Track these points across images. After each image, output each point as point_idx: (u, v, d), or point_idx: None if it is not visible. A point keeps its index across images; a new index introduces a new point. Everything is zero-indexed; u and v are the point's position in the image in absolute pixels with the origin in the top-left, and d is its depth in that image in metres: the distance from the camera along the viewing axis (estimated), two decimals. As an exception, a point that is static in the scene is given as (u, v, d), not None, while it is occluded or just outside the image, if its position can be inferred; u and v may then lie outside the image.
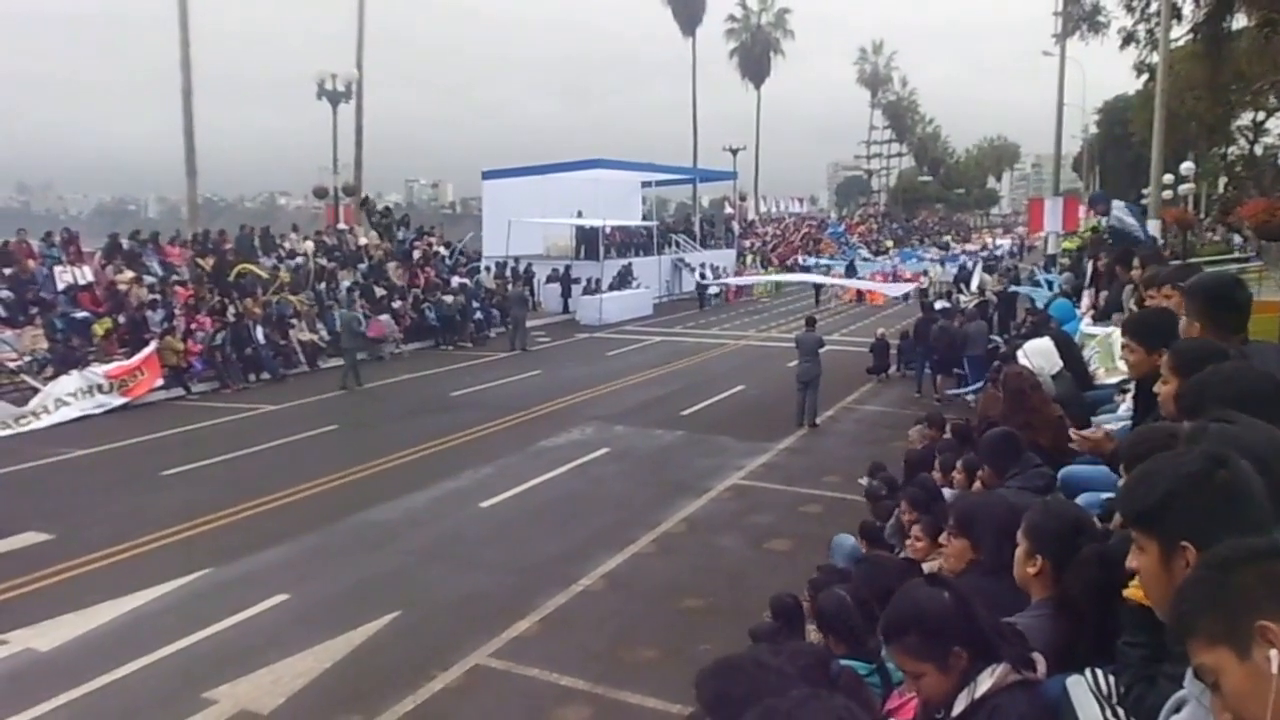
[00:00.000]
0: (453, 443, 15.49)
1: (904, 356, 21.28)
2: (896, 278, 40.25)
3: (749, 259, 47.10)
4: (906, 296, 33.96)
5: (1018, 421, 5.35)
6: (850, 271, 42.95)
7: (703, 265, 41.49)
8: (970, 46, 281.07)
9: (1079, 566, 2.71)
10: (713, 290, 38.03)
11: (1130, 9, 31.59)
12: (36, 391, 17.93)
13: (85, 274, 22.46)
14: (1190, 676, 1.55)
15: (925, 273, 39.24)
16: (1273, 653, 1.35)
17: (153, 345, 19.69)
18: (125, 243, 24.91)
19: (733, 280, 38.72)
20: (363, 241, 30.68)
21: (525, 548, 10.70)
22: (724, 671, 1.27)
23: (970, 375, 17.51)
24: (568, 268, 35.53)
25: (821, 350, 16.86)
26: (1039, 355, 6.54)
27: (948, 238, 72.53)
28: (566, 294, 34.73)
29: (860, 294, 37.96)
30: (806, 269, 45.34)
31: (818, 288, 37.87)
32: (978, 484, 5.01)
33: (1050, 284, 20.45)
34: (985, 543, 3.41)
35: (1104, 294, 11.06)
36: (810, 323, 17.71)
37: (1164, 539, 1.82)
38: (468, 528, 11.56)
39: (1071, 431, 4.49)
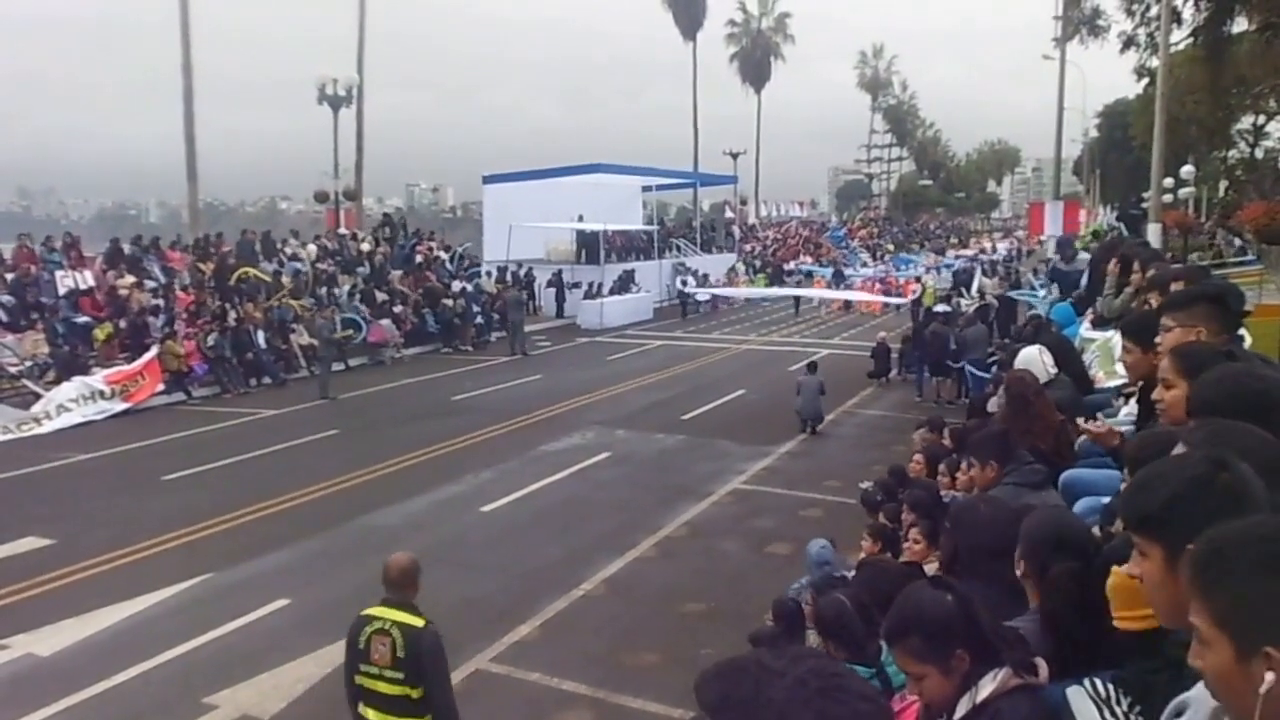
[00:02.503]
0: (454, 447, 15.49)
1: (904, 360, 21.30)
2: (887, 286, 39.16)
3: (740, 266, 46.07)
4: (898, 308, 33.07)
5: (1020, 426, 5.33)
6: (838, 279, 42.18)
7: (684, 271, 39.93)
8: (971, 51, 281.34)
9: (1052, 582, 2.72)
10: (701, 297, 37.07)
11: (1130, 13, 31.61)
12: (38, 396, 17.95)
13: (86, 279, 22.49)
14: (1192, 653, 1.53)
15: (918, 279, 38.55)
16: (1269, 675, 1.34)
17: (154, 350, 19.71)
18: (126, 248, 24.94)
19: (718, 290, 37.71)
20: (365, 247, 30.70)
21: (526, 552, 10.70)
22: (727, 673, 1.26)
23: (970, 380, 17.50)
24: (559, 272, 35.60)
25: (823, 396, 16.63)
26: (1025, 365, 6.51)
27: (953, 240, 72.39)
28: (561, 298, 34.78)
29: (848, 302, 37.05)
30: (790, 272, 45.10)
31: (797, 299, 37.20)
32: (969, 483, 4.98)
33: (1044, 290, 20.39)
34: (961, 549, 3.42)
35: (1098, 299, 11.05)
36: (812, 367, 17.41)
37: (1168, 544, 1.81)
38: (468, 532, 11.56)
39: (1080, 422, 4.48)
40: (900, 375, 21.26)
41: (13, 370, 18.84)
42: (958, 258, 50.23)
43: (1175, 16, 26.44)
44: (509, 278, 32.46)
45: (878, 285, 39.97)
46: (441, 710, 4.91)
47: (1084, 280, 12.99)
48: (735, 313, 37.24)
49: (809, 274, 44.31)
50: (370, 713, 4.93)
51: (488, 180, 41.81)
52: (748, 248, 51.85)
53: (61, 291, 21.74)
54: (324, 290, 26.10)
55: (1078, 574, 2.63)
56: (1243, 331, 5.60)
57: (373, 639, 4.88)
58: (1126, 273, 8.70)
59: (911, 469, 8.03)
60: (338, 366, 22.35)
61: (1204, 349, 3.27)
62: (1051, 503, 4.05)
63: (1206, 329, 3.72)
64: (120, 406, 18.59)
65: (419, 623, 4.88)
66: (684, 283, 37.67)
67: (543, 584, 9.63)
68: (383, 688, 4.86)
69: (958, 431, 8.50)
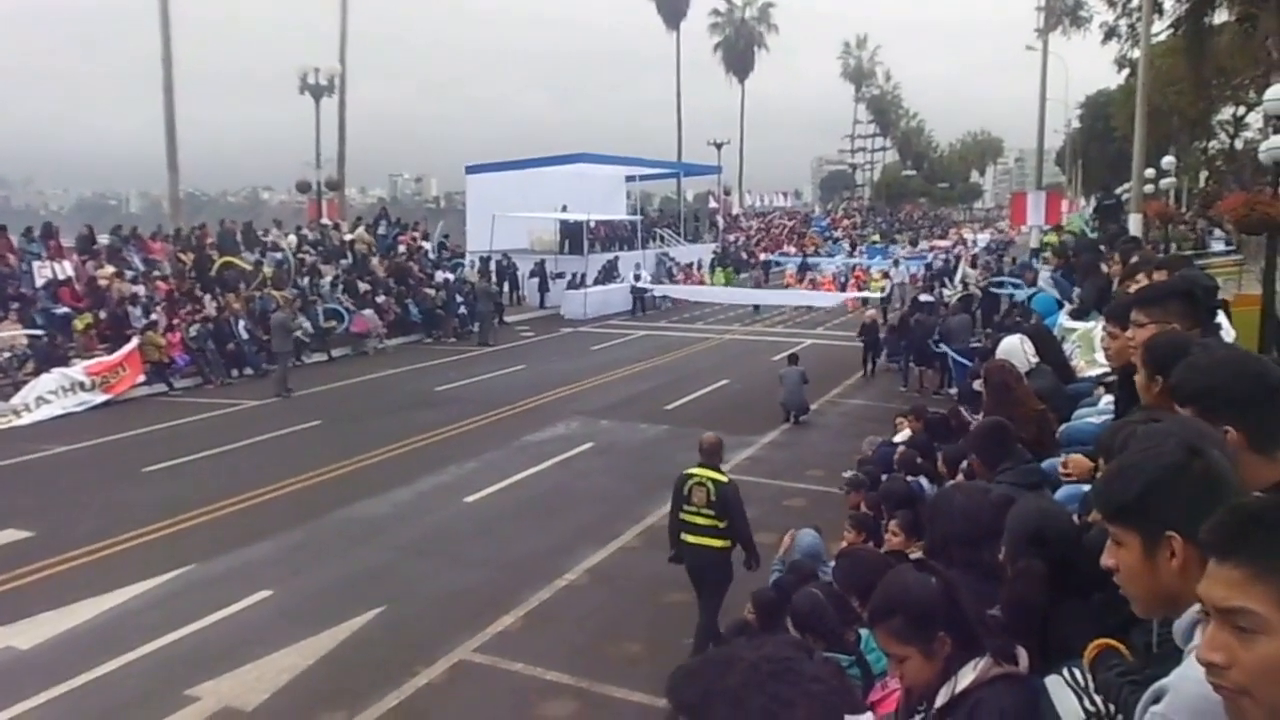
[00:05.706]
0: (437, 438, 15.46)
1: (889, 349, 21.37)
2: (857, 279, 38.20)
3: (710, 259, 44.82)
4: (866, 302, 32.39)
5: (1001, 414, 5.36)
6: (802, 270, 41.43)
7: (638, 265, 37.24)
8: (953, 41, 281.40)
9: (1012, 580, 2.75)
10: (657, 293, 35.70)
11: (1112, 4, 31.85)
12: (17, 388, 17.78)
13: (65, 269, 22.26)
14: (1185, 626, 1.49)
15: (885, 274, 38.06)
16: None
17: (134, 341, 19.54)
18: (105, 237, 24.72)
19: (675, 289, 36.09)
20: (348, 237, 30.53)
21: (510, 543, 10.70)
22: (698, 671, 1.26)
23: (954, 368, 17.56)
24: (541, 262, 35.44)
25: (806, 385, 16.69)
26: (1007, 354, 6.54)
27: (934, 230, 72.53)
28: (545, 288, 34.68)
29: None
30: (768, 262, 44.80)
31: (756, 305, 35.67)
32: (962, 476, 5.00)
33: (1016, 286, 20.40)
34: (936, 537, 3.44)
35: (1078, 290, 11.12)
36: (793, 359, 17.43)
37: (1146, 531, 1.81)
38: (452, 523, 11.55)
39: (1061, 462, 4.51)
40: (885, 364, 21.32)
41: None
42: (932, 249, 49.30)
43: (1156, 8, 26.61)
44: (491, 267, 32.36)
45: (851, 280, 39.29)
46: (742, 537, 7.51)
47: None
48: (698, 307, 35.47)
49: (780, 267, 43.50)
50: (689, 537, 7.53)
51: (471, 170, 41.56)
52: (731, 238, 51.77)
53: (40, 282, 21.50)
54: (306, 280, 25.94)
55: (1039, 574, 2.66)
56: (1223, 321, 5.64)
57: (693, 488, 7.49)
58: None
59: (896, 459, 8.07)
60: (319, 357, 22.21)
61: (1176, 339, 3.29)
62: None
63: (1180, 325, 3.75)
64: (101, 398, 18.44)
65: (723, 479, 7.56)
66: (637, 278, 35.85)
67: (526, 574, 9.63)
68: (699, 520, 7.47)
69: (934, 420, 8.54)
